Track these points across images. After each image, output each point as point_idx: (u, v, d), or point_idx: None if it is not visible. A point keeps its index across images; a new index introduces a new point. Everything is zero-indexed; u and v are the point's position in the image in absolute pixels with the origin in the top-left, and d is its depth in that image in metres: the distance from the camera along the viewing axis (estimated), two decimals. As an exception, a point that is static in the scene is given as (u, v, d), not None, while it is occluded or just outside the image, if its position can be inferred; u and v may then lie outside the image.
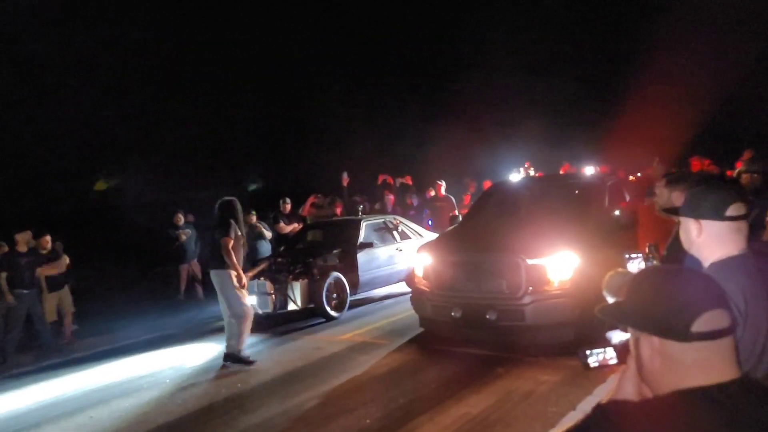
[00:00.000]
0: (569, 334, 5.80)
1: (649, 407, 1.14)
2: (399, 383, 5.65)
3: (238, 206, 6.97)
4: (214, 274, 6.82)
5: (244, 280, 6.81)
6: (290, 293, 8.65)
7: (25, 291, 8.39)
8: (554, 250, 5.93)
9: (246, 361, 6.71)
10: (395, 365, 6.27)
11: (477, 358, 6.25)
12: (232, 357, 6.80)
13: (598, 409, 1.15)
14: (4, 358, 8.31)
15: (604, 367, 1.45)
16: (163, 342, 8.49)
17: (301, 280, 8.72)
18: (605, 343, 1.45)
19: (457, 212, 11.43)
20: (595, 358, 1.44)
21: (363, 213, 11.79)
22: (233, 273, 6.70)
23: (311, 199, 12.25)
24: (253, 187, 11.21)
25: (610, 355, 1.43)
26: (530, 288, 5.85)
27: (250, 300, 8.73)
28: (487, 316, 5.93)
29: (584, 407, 4.62)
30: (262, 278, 8.79)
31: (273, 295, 8.66)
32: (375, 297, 10.23)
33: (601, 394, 4.85)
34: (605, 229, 6.44)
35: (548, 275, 5.87)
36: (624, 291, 1.24)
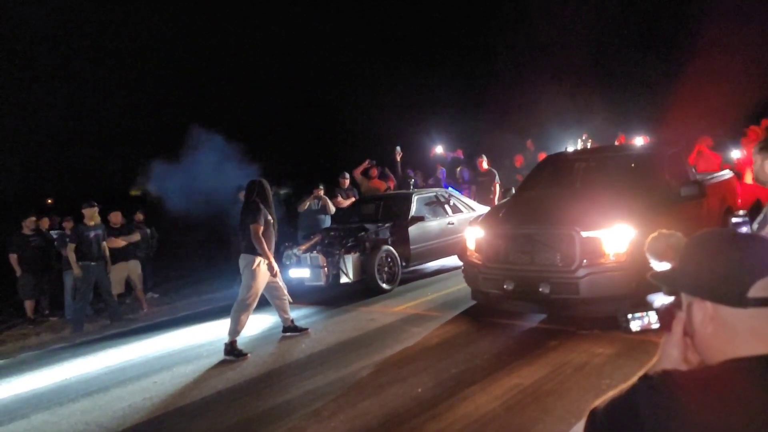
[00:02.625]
0: (626, 309, 5.70)
1: (699, 376, 1.09)
2: (451, 354, 5.68)
3: (268, 187, 6.66)
4: (242, 258, 6.53)
5: (276, 268, 6.53)
6: (342, 266, 8.77)
7: (92, 263, 8.80)
8: (610, 222, 5.80)
9: (240, 353, 6.32)
10: (447, 337, 6.30)
11: (529, 331, 6.23)
12: (290, 328, 6.95)
13: (645, 378, 1.09)
14: (78, 326, 8.78)
15: (646, 332, 1.42)
16: (221, 313, 8.76)
17: (353, 253, 8.84)
18: (647, 306, 1.42)
19: (498, 187, 11.35)
20: (638, 322, 1.41)
21: (415, 187, 11.80)
22: (262, 260, 6.41)
23: (365, 164, 12.24)
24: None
25: (652, 320, 1.40)
26: (585, 261, 5.76)
27: (304, 273, 8.96)
28: (540, 289, 5.88)
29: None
30: (315, 252, 8.94)
31: (325, 268, 8.80)
32: (427, 271, 10.27)
33: (657, 367, 4.76)
34: (663, 201, 6.25)
35: (603, 248, 5.76)
36: (677, 255, 1.21)
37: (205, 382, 5.71)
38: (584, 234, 5.78)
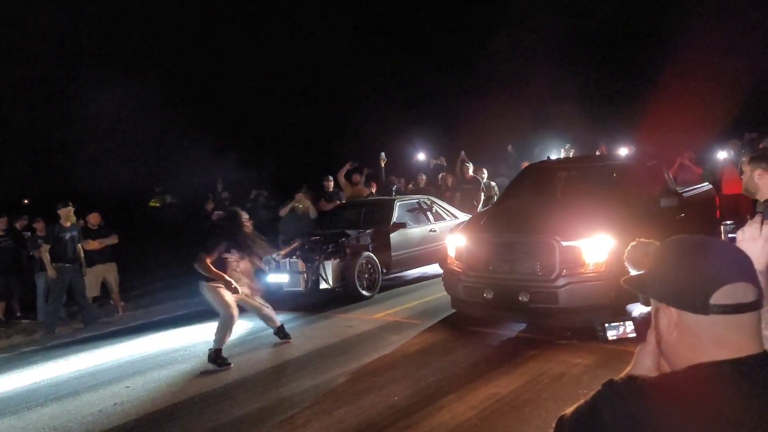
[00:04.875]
0: (604, 318, 5.69)
1: (663, 382, 1.08)
2: (429, 363, 5.64)
3: (241, 219, 6.35)
4: (199, 285, 6.21)
5: (234, 284, 6.12)
6: (322, 272, 8.69)
7: (67, 265, 8.61)
8: (590, 232, 5.80)
9: (224, 363, 6.05)
10: (426, 345, 6.26)
11: (508, 340, 6.20)
12: (281, 330, 6.75)
13: (609, 385, 1.08)
14: (50, 328, 8.59)
15: (622, 340, 1.40)
16: (197, 318, 8.64)
17: (333, 259, 8.76)
18: (625, 316, 1.40)
19: (482, 196, 11.35)
20: (614, 331, 1.40)
21: (398, 193, 11.77)
22: (217, 284, 6.07)
23: (347, 166, 12.12)
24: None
25: (629, 329, 1.38)
26: (564, 270, 5.75)
27: (283, 278, 8.86)
28: (520, 298, 5.86)
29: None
30: (294, 257, 8.85)
31: (305, 274, 8.71)
32: (407, 278, 10.22)
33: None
34: (643, 211, 6.28)
35: (583, 257, 5.75)
36: (647, 261, 1.19)
37: (178, 387, 5.60)
38: (564, 243, 5.77)
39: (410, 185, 12.86)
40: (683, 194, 7.01)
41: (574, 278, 5.71)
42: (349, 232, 9.44)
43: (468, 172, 11.92)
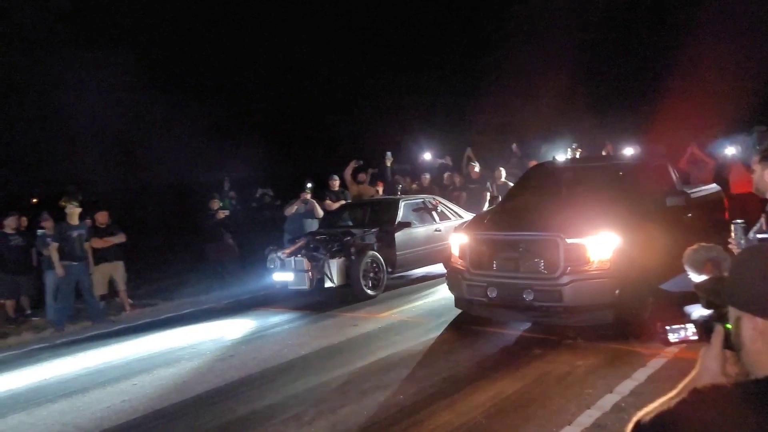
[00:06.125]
0: (608, 317, 5.70)
1: (748, 390, 1.09)
2: (434, 362, 5.66)
3: None
4: None
5: None
6: (327, 271, 8.72)
7: (74, 263, 8.68)
8: (594, 229, 5.81)
9: None
10: (431, 344, 6.27)
11: (513, 339, 6.21)
12: None
13: (695, 392, 1.09)
14: (59, 326, 8.67)
15: (684, 344, 1.42)
16: (204, 316, 8.71)
17: (338, 258, 8.79)
18: (685, 319, 1.42)
19: (488, 195, 11.33)
20: (675, 334, 1.41)
21: (402, 192, 11.77)
22: None
23: (353, 164, 12.12)
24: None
25: (690, 332, 1.39)
26: (568, 268, 5.75)
27: (287, 276, 8.89)
28: (524, 296, 5.87)
29: (622, 390, 4.55)
30: (299, 255, 8.88)
31: (310, 273, 8.74)
32: (412, 277, 10.24)
33: (640, 377, 4.78)
34: (649, 210, 6.28)
35: (587, 255, 5.76)
36: (717, 268, 1.21)
37: (185, 385, 5.64)
38: (569, 241, 5.78)
39: (414, 185, 12.87)
40: (690, 194, 7.00)
41: (578, 276, 5.72)
42: (354, 231, 9.47)
43: (474, 171, 11.91)
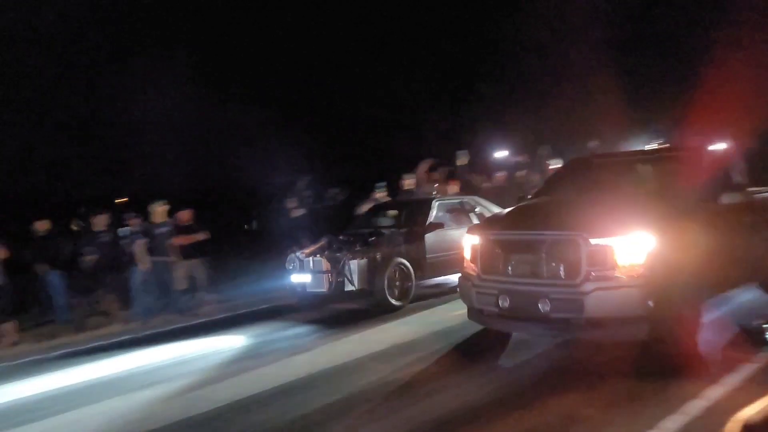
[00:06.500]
0: (641, 331, 4.68)
1: None
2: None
3: None
4: None
5: None
6: (347, 272, 8.07)
7: (158, 259, 9.07)
8: (625, 228, 4.81)
9: None
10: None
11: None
12: None
13: None
14: (145, 319, 9.05)
15: None
16: (279, 313, 8.70)
17: (359, 259, 8.11)
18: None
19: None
20: None
21: (472, 192, 10.95)
22: None
23: (429, 162, 11.46)
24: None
25: None
26: (592, 273, 4.77)
27: (305, 278, 8.30)
28: (539, 306, 4.95)
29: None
30: (318, 256, 8.30)
31: (329, 274, 8.12)
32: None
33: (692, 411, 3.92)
34: (695, 207, 5.22)
35: (615, 258, 4.76)
36: None
37: (260, 378, 5.63)
38: (592, 241, 4.80)
39: (485, 183, 12.14)
40: (753, 193, 5.87)
41: (603, 283, 4.72)
42: (383, 231, 8.79)
43: (549, 170, 11.01)
